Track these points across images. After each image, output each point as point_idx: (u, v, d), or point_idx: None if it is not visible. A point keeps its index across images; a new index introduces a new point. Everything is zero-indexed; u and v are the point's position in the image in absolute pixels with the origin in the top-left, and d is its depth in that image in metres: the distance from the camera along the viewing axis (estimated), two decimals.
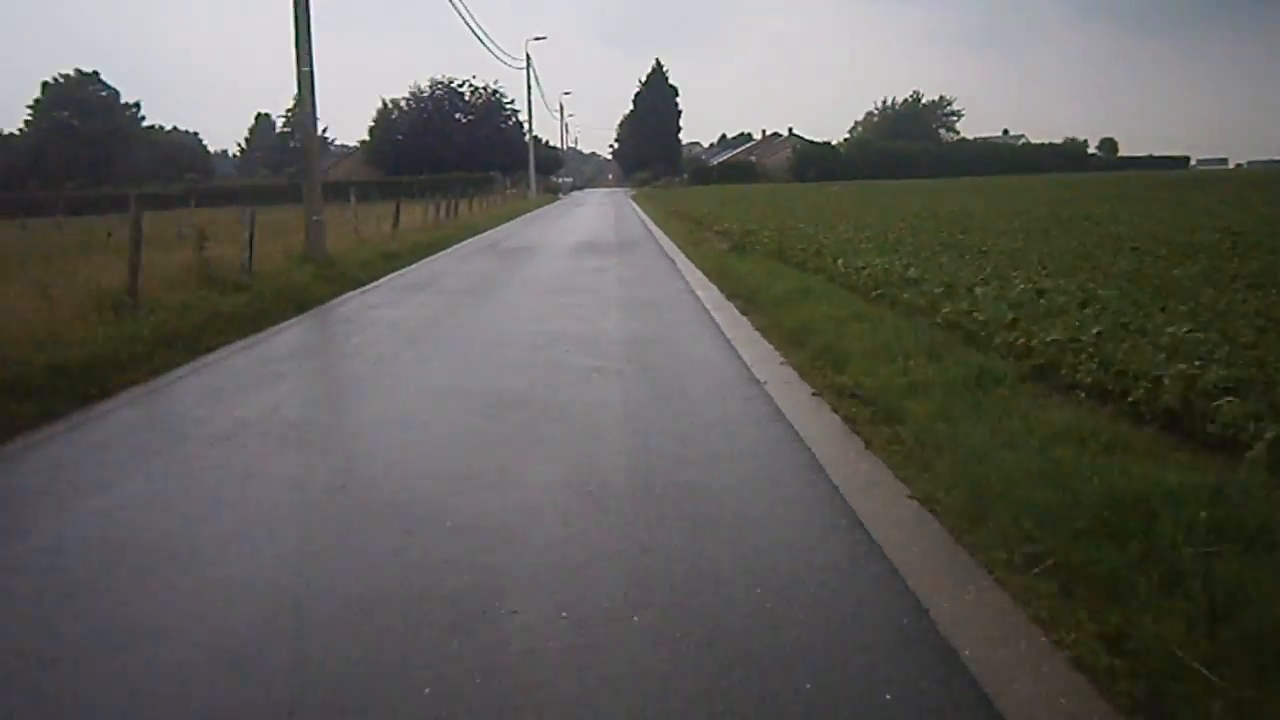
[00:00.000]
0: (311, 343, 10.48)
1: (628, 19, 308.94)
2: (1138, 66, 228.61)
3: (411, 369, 8.26)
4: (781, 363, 7.92)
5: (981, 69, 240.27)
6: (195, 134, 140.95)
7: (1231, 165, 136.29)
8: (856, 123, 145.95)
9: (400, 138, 74.19)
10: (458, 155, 72.46)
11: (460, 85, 76.94)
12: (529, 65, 57.14)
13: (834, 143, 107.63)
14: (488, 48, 70.69)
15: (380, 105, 76.58)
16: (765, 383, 7.07)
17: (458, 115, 76.51)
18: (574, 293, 13.10)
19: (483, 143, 73.63)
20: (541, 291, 13.41)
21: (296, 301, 12.36)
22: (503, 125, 77.15)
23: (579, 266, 17.00)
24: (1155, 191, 42.02)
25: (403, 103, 76.59)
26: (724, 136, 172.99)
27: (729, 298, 11.98)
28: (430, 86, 76.87)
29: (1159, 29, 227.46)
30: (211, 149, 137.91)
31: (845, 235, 18.03)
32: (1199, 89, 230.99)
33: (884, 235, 17.90)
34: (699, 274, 15.18)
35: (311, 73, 15.28)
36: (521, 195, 66.61)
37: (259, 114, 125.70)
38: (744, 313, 10.72)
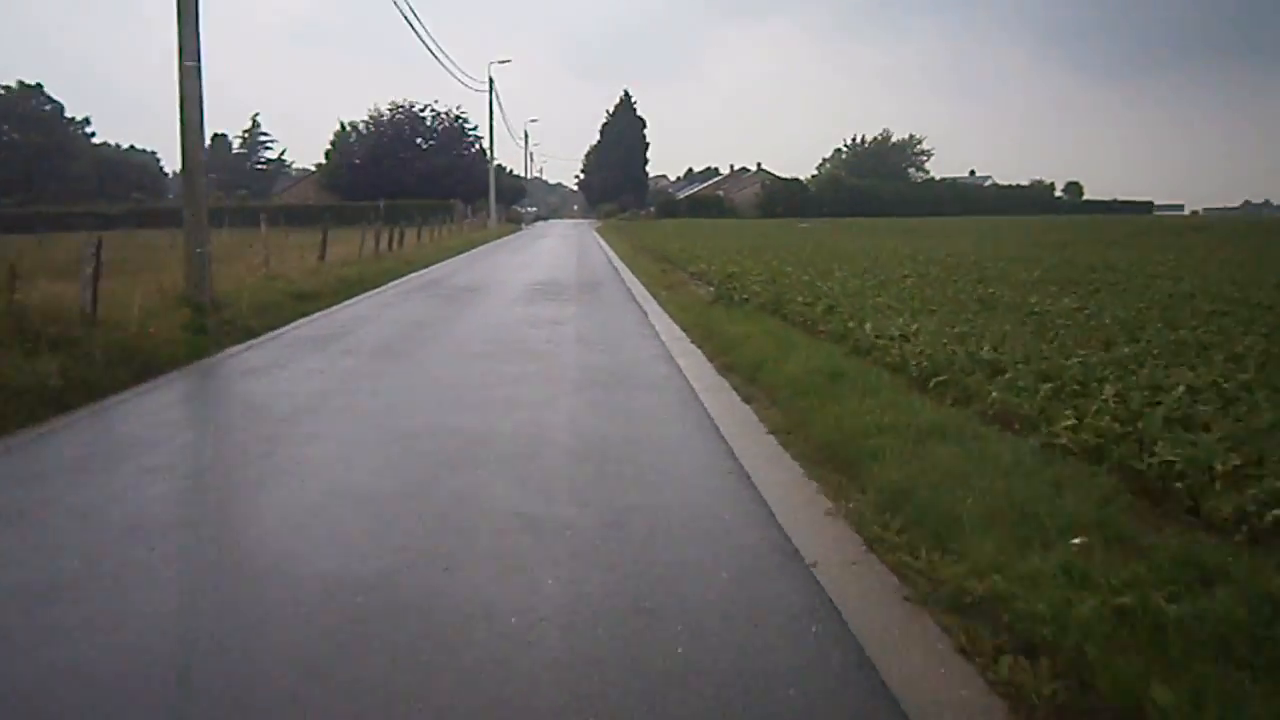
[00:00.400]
0: (112, 443, 6.90)
1: (597, 51, 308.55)
2: (1099, 112, 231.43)
3: (223, 526, 5.14)
4: (828, 511, 4.90)
5: (948, 111, 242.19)
6: (152, 153, 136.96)
7: (1187, 211, 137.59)
8: (824, 160, 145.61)
9: (357, 162, 70.75)
10: (417, 181, 69.37)
11: (422, 110, 73.87)
12: (491, 87, 54.30)
13: (803, 179, 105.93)
14: (445, 66, 67.89)
15: (338, 128, 73.23)
16: (824, 581, 4.02)
17: (418, 140, 73.29)
18: (519, 357, 10.02)
19: (443, 170, 70.47)
20: (477, 355, 10.31)
21: (142, 363, 9.16)
22: (465, 153, 74.02)
23: (531, 316, 13.95)
24: (1147, 237, 40.10)
25: (361, 126, 73.32)
26: (690, 170, 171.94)
27: (722, 371, 8.99)
28: (390, 110, 73.68)
29: (1119, 76, 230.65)
30: (170, 170, 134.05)
31: (850, 284, 15.14)
32: (1157, 136, 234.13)
33: (894, 285, 15.06)
34: (677, 331, 12.20)
35: (198, 69, 12.14)
36: (481, 225, 63.53)
37: (215, 134, 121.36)
38: (747, 399, 7.72)
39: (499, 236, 47.23)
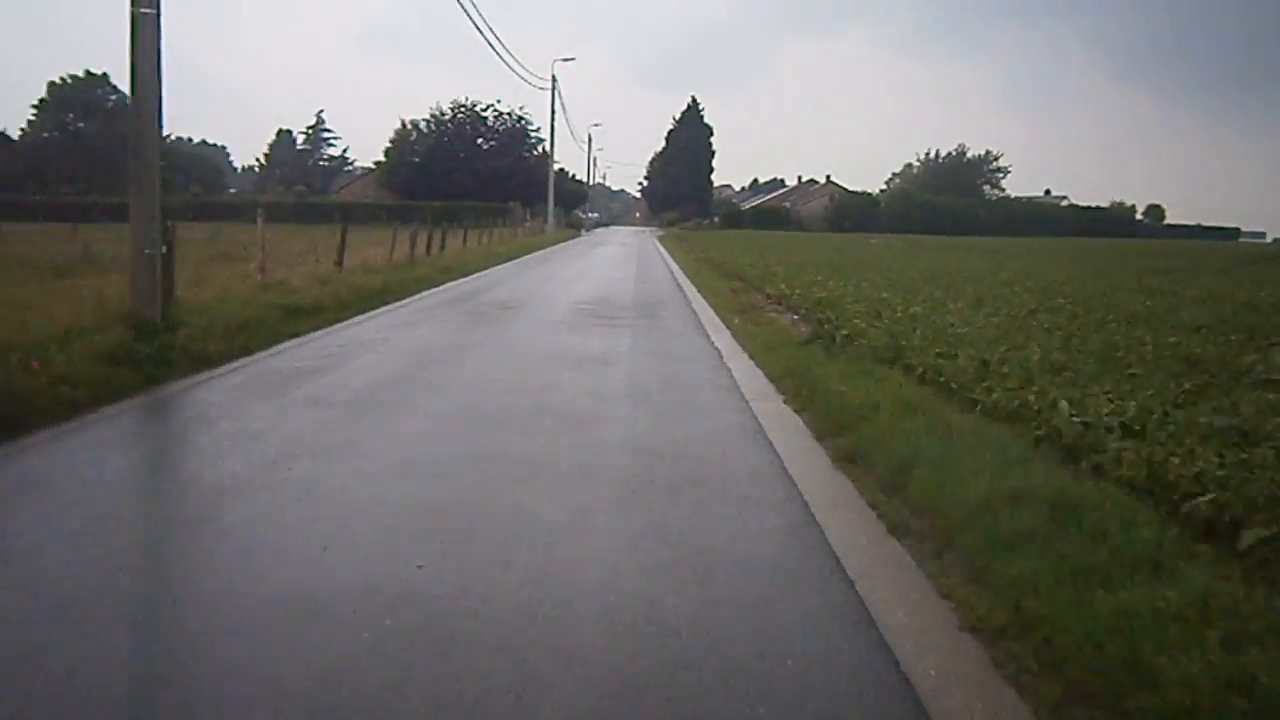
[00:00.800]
0: None
1: (663, 59, 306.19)
2: (1174, 134, 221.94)
3: None
4: None
5: (1021, 128, 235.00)
6: (222, 147, 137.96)
7: (1269, 239, 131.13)
8: (894, 174, 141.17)
9: (417, 160, 68.77)
10: (476, 182, 67.19)
11: (484, 109, 71.63)
12: (554, 86, 51.70)
13: (873, 193, 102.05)
14: (505, 62, 65.28)
15: (399, 125, 71.28)
16: None
17: (479, 141, 71.07)
18: (543, 424, 7.04)
19: (504, 171, 68.14)
20: (485, 418, 7.31)
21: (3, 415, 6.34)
22: (526, 155, 71.59)
23: (572, 350, 10.99)
24: (1254, 266, 36.05)
25: (422, 124, 71.32)
26: (755, 181, 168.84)
27: (842, 463, 5.91)
28: (452, 109, 71.49)
29: (1195, 98, 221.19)
30: (238, 164, 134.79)
31: (975, 321, 11.91)
32: (1233, 160, 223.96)
33: (1028, 325, 11.82)
34: (762, 381, 9.15)
35: (157, 18, 9.37)
36: (539, 230, 61.09)
37: (280, 130, 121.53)
38: (917, 552, 4.57)
39: (555, 243, 44.51)
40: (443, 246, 25.66)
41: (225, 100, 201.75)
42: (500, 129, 71.67)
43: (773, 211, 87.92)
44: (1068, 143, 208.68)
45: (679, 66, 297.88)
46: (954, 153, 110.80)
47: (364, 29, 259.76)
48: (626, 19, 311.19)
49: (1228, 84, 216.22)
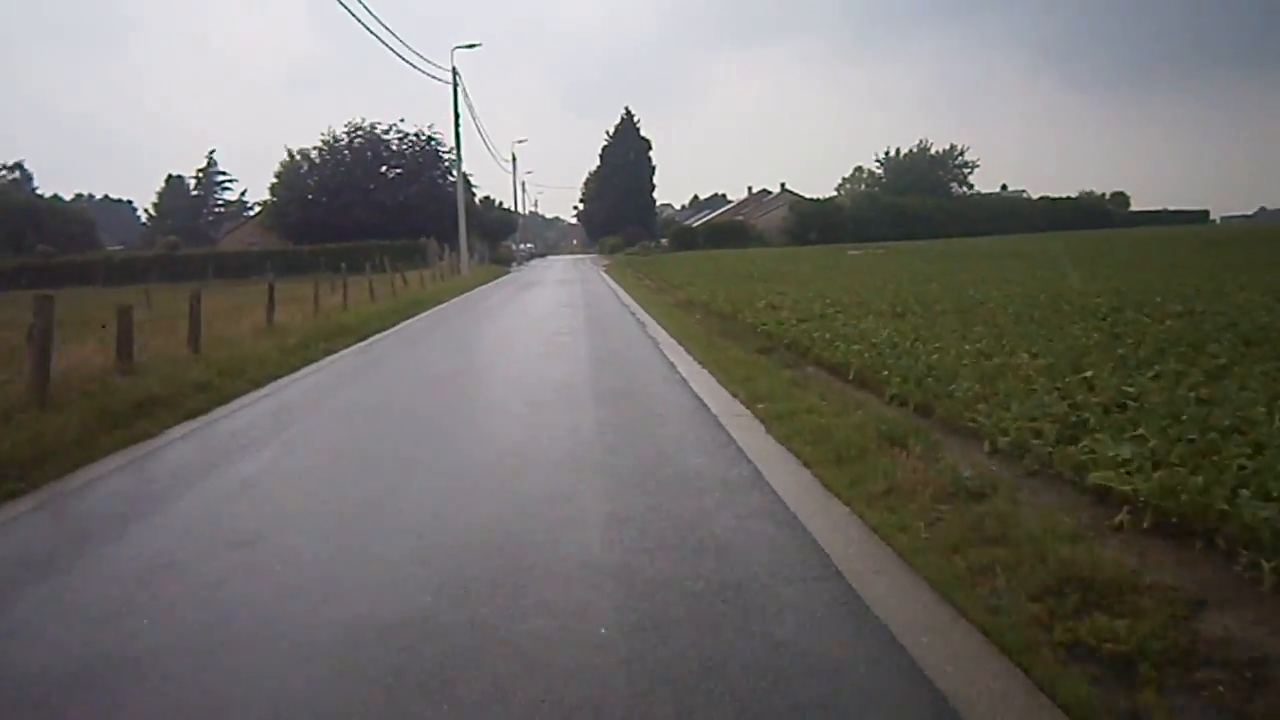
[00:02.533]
0: None
1: (591, 82, 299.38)
2: (1103, 125, 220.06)
3: None
4: None
5: (962, 126, 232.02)
6: (128, 201, 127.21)
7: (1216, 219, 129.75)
8: (844, 179, 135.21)
9: (310, 198, 59.65)
10: (383, 217, 58.42)
11: (386, 131, 62.75)
12: (455, 78, 42.86)
13: (835, 198, 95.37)
14: (401, 56, 56.95)
15: (286, 157, 62.07)
16: None
17: (383, 169, 62.25)
18: None
19: (413, 201, 59.36)
20: None
21: None
22: (440, 180, 62.89)
23: None
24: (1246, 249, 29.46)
25: (314, 153, 62.24)
26: (696, 198, 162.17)
27: None
28: (348, 133, 62.69)
29: (1119, 90, 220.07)
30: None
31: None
32: (1171, 145, 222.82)
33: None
34: None
35: None
36: (451, 269, 52.49)
37: (171, 175, 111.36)
38: None
39: (474, 286, 35.87)
40: (270, 313, 16.79)
41: (126, 150, 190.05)
42: (406, 152, 62.73)
43: (728, 228, 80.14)
44: (1011, 138, 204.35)
45: (609, 89, 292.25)
46: (915, 150, 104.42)
47: (260, 63, 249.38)
48: (551, 43, 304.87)
49: (1151, 75, 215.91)
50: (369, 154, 61.81)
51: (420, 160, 61.71)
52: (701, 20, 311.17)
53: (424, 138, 62.91)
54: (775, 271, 31.15)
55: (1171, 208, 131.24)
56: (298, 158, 61.47)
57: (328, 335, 16.53)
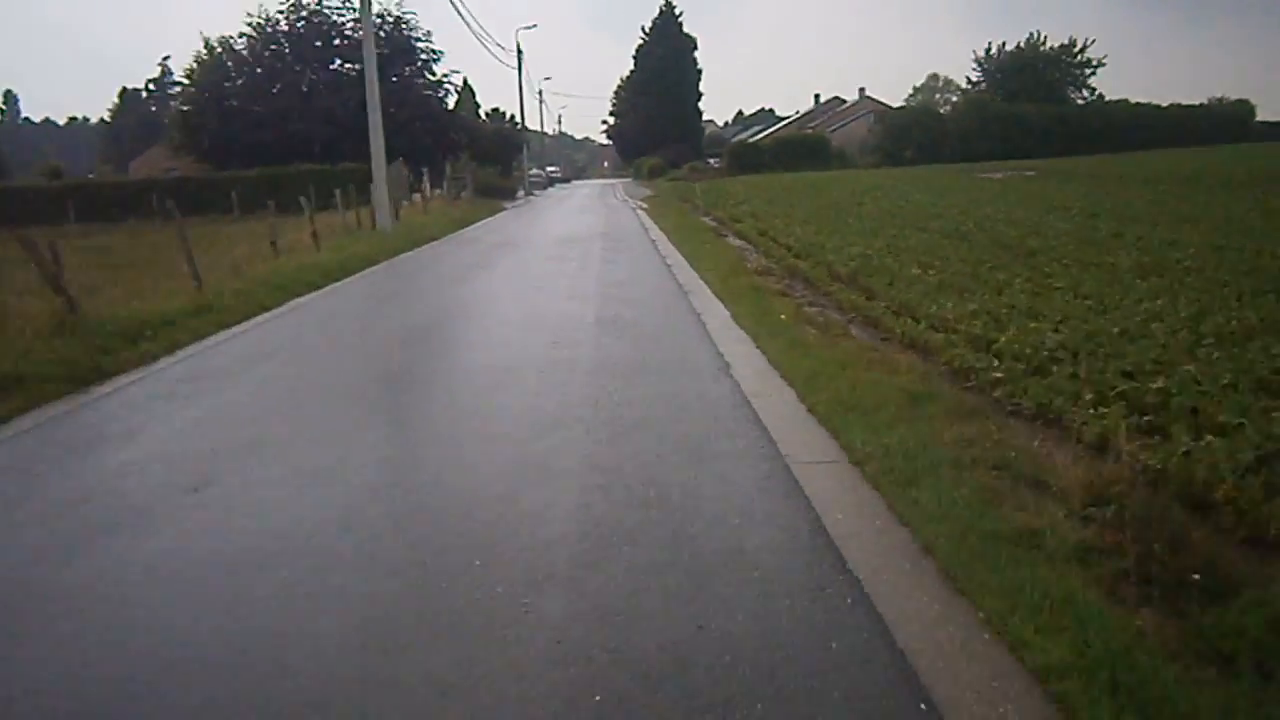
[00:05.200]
0: None
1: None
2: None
3: None
4: None
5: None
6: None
7: None
8: (915, 89, 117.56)
9: (234, 104, 43.69)
10: (332, 133, 42.83)
11: (340, 10, 46.15)
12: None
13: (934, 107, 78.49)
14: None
15: (202, 50, 45.68)
16: None
17: (334, 64, 45.91)
18: None
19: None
20: None
21: None
22: (417, 80, 46.62)
23: None
24: None
25: (240, 44, 45.88)
26: (740, 113, 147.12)
27: None
28: (286, 12, 46.05)
29: None
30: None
31: None
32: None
33: None
34: None
35: None
36: (454, 199, 36.74)
37: (124, 89, 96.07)
38: None
39: (411, 246, 19.89)
40: None
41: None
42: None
43: (803, 144, 63.13)
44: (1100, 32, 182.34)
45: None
46: (1023, 46, 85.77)
47: None
48: None
49: None
50: (316, 43, 45.29)
51: (385, 52, 45.29)
52: None
53: (394, 20, 46.42)
54: (879, 203, 15.96)
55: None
56: (218, 49, 45.12)
57: None
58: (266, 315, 11.41)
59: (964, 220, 17.84)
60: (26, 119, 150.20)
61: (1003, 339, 6.99)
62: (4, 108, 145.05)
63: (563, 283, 12.92)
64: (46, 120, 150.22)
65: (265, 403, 7.13)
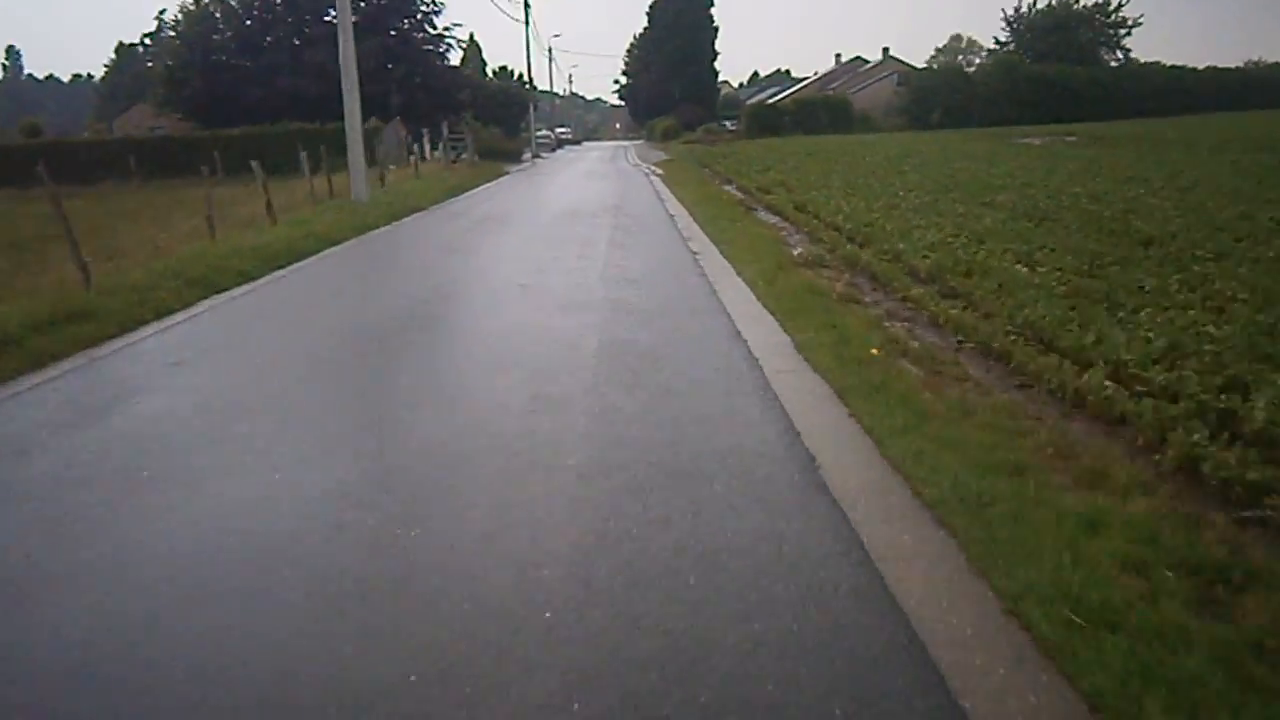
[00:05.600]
0: None
1: None
2: None
3: None
4: None
5: None
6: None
7: None
8: (938, 50, 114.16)
9: (220, 59, 40.97)
10: (325, 88, 39.75)
11: None
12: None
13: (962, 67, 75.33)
14: None
15: (190, 1, 42.86)
16: None
17: (327, 16, 43.10)
18: None
19: (371, 65, 40.51)
20: None
21: None
22: (416, 35, 43.76)
23: None
24: None
25: None
26: (756, 74, 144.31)
27: None
28: None
29: None
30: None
31: None
32: None
33: None
34: None
35: None
36: (450, 165, 34.07)
37: (120, 44, 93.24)
38: None
39: (388, 220, 17.05)
40: None
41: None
42: None
43: (826, 106, 59.98)
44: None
45: None
46: (1056, 4, 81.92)
47: None
48: None
49: None
50: None
51: (381, 2, 42.29)
52: None
53: None
54: (932, 171, 13.55)
55: None
56: (201, 3, 42.28)
57: None
58: (152, 328, 8.35)
59: (1034, 195, 15.18)
60: (30, 75, 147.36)
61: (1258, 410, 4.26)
62: (6, 64, 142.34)
63: (557, 281, 9.96)
64: (50, 77, 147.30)
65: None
